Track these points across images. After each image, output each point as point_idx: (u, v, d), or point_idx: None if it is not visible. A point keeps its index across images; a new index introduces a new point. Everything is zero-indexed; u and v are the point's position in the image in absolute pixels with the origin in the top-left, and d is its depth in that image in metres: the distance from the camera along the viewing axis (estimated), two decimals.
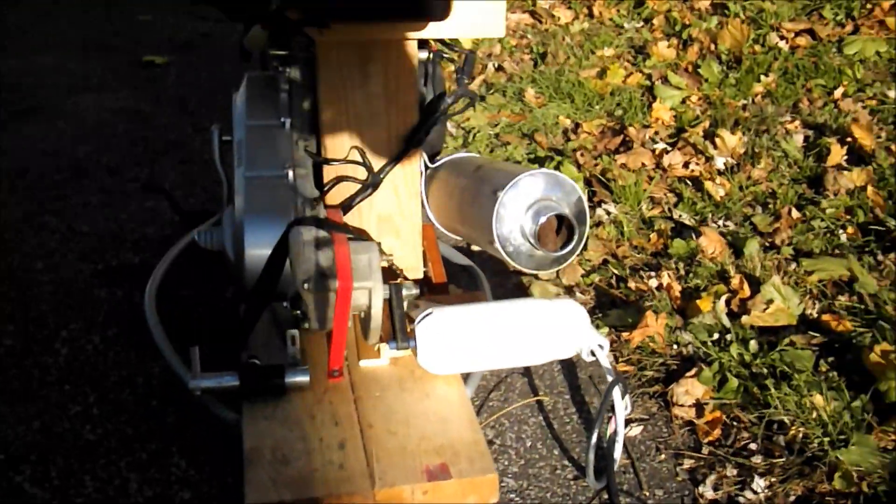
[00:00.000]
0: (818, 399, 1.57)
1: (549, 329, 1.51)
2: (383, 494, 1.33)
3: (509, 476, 1.47)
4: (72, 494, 1.41)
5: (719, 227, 2.25)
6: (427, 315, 1.50)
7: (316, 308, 1.48)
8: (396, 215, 1.74)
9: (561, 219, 1.42)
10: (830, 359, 1.70)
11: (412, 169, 1.72)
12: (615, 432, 1.46)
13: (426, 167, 1.78)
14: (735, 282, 1.93)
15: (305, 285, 1.45)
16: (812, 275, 2.01)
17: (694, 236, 2.15)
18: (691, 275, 2.01)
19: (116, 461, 1.48)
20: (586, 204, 1.46)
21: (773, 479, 1.42)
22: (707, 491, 1.43)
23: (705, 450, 1.53)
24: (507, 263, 1.51)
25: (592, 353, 1.51)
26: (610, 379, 1.48)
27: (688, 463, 1.50)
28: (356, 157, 1.68)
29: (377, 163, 1.69)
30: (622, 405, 1.46)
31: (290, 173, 1.61)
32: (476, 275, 1.91)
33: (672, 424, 1.59)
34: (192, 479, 1.44)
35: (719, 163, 2.57)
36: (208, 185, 2.46)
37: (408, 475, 1.35)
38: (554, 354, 1.54)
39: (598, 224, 2.25)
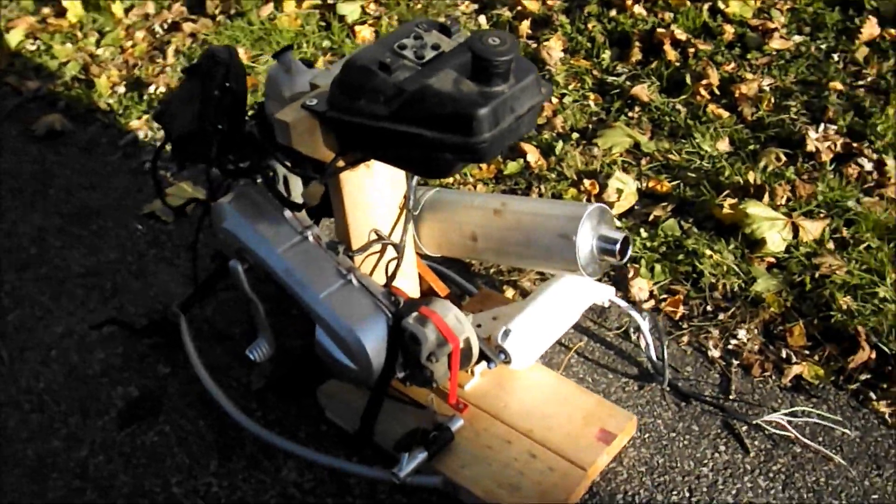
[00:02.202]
0: None
1: (579, 296, 2.04)
2: (592, 470, 1.85)
3: None
4: None
5: None
6: (507, 331, 1.95)
7: (439, 369, 1.86)
8: (402, 262, 2.08)
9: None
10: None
11: (410, 225, 2.04)
12: (647, 346, 2.09)
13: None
14: None
15: (432, 359, 1.82)
16: None
17: None
18: None
19: None
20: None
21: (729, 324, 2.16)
22: (711, 351, 2.14)
23: (684, 325, 2.21)
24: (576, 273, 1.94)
25: (610, 301, 2.10)
26: (632, 312, 2.09)
27: (684, 339, 2.18)
28: (373, 237, 1.97)
29: (388, 232, 1.99)
30: (646, 326, 2.08)
31: (353, 277, 1.87)
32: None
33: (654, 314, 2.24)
34: None
35: None
36: None
37: (592, 449, 1.86)
38: (584, 309, 2.08)
39: None
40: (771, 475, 1.86)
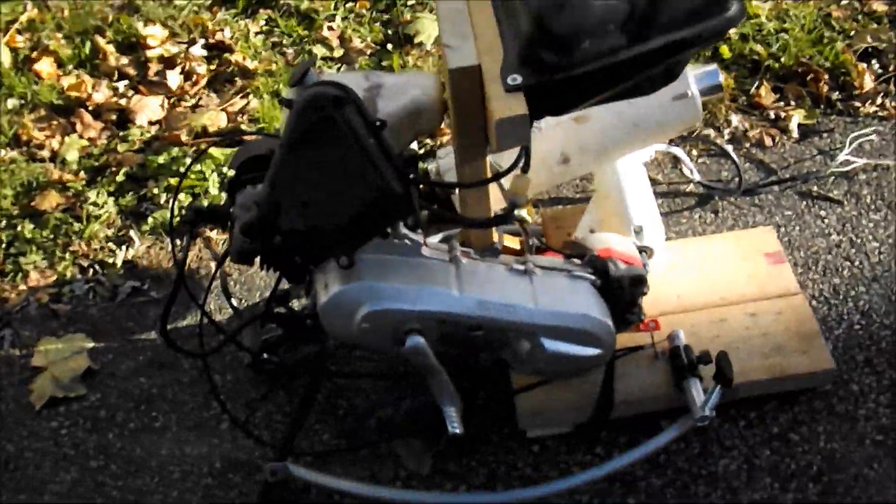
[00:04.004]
0: None
1: (637, 165, 1.91)
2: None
3: None
4: None
5: None
6: (640, 228, 1.78)
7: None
8: None
9: None
10: None
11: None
12: (691, 171, 2.06)
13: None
14: None
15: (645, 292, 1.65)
16: None
17: None
18: None
19: None
20: None
21: None
22: (725, 147, 2.17)
23: (677, 141, 2.20)
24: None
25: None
26: (671, 149, 2.03)
27: (693, 152, 2.17)
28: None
29: None
30: (683, 154, 2.05)
31: (531, 266, 1.57)
32: None
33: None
34: None
35: None
36: None
37: (782, 273, 1.80)
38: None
39: None
40: (873, 207, 1.99)
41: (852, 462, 1.61)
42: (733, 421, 1.69)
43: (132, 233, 2.05)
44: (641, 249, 1.73)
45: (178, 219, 1.53)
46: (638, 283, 1.57)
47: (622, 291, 1.57)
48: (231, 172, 1.45)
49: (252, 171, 1.48)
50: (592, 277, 1.56)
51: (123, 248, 2.04)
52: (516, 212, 1.66)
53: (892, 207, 1.97)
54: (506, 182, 1.43)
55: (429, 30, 2.45)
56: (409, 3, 2.57)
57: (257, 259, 1.40)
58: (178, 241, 1.81)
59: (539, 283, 1.52)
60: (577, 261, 1.60)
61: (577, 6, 1.23)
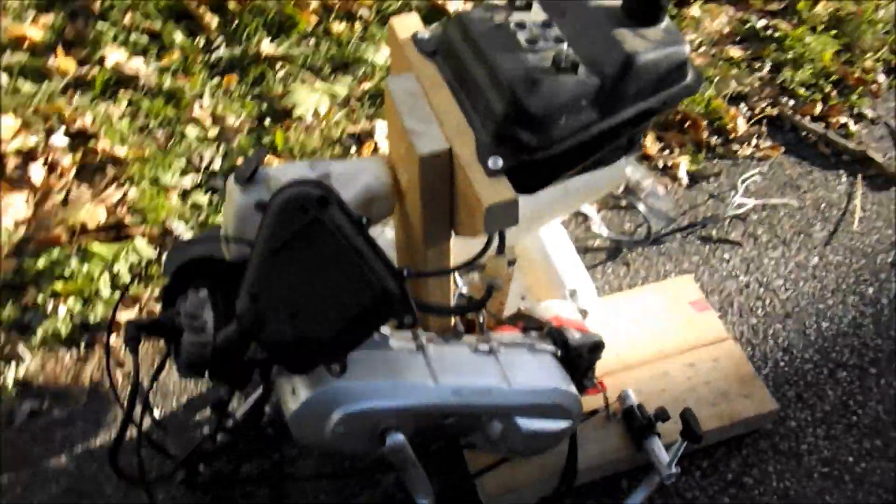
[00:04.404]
0: None
1: (558, 227, 1.94)
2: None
3: None
4: None
5: None
6: (574, 291, 1.80)
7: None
8: None
9: None
10: None
11: None
12: (599, 224, 2.10)
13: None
14: None
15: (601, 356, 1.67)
16: None
17: None
18: None
19: None
20: None
21: None
22: (622, 200, 2.22)
23: None
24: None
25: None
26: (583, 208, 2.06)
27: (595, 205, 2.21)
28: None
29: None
30: (594, 212, 2.08)
31: (495, 345, 1.54)
32: None
33: None
34: None
35: None
36: None
37: (709, 320, 1.87)
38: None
39: None
40: (770, 245, 2.09)
41: (806, 497, 1.66)
42: (688, 472, 1.70)
43: (20, 348, 1.85)
44: (579, 311, 1.73)
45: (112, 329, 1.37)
46: (596, 349, 1.56)
47: (580, 360, 1.55)
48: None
49: (190, 276, 1.36)
50: (553, 349, 1.53)
51: (13, 365, 1.83)
52: (464, 289, 1.65)
53: (787, 244, 2.07)
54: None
55: (306, 101, 2.38)
56: (279, 75, 2.47)
57: None
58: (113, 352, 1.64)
59: (506, 362, 1.48)
60: (534, 333, 1.57)
61: (549, 83, 1.22)
